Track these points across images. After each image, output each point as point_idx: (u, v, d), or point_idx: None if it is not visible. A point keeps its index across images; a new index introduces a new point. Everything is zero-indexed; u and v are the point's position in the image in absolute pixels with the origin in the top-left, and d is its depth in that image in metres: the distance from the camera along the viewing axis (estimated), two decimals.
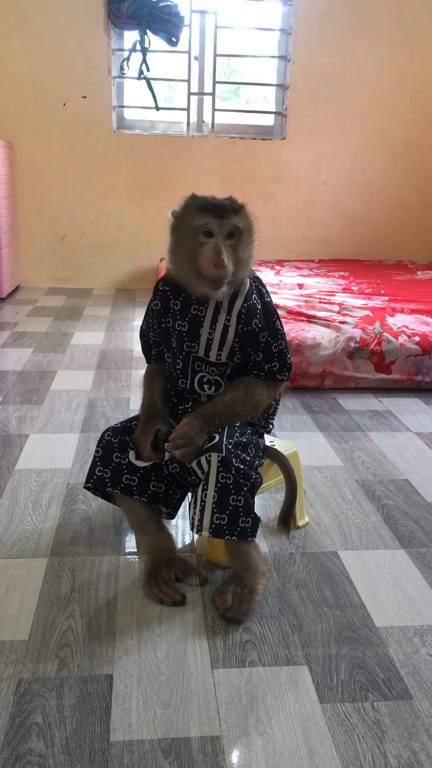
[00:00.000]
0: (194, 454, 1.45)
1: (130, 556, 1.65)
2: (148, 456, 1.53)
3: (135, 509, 1.58)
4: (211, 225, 1.42)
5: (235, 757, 1.10)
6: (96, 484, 1.57)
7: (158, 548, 1.55)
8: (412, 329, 3.00)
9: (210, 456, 1.42)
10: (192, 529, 1.46)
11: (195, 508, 1.45)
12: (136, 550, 1.67)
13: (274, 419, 1.70)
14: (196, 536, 1.74)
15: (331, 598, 1.51)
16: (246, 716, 1.18)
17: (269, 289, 3.86)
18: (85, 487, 1.60)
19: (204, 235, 1.43)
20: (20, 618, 1.41)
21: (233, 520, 1.41)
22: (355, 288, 3.99)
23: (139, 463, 1.55)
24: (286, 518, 1.63)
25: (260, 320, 1.53)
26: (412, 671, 1.30)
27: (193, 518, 1.46)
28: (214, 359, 1.55)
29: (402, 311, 3.33)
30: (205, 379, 1.57)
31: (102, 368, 3.11)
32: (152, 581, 1.50)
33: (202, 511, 1.43)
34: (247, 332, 1.52)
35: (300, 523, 1.80)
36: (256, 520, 1.44)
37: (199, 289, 1.47)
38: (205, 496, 1.42)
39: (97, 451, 1.57)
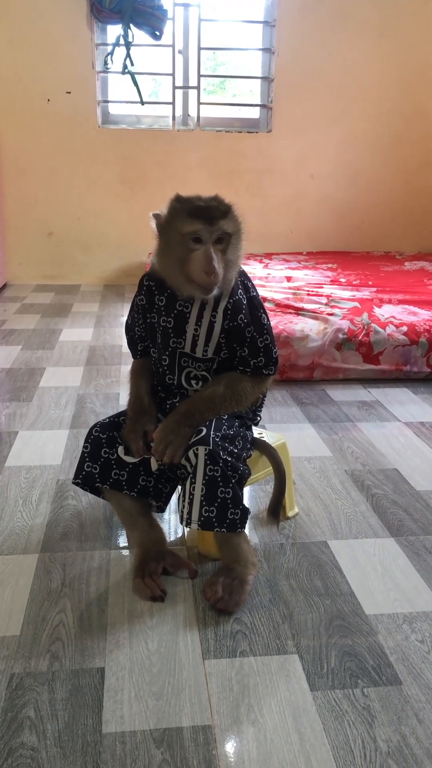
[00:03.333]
0: (182, 451, 1.46)
1: (120, 551, 1.65)
2: (140, 453, 1.54)
3: (124, 504, 1.59)
4: (200, 232, 1.41)
5: (227, 745, 1.11)
6: (85, 479, 1.57)
7: (148, 541, 1.56)
8: (400, 319, 3.02)
9: (197, 449, 1.42)
10: (181, 522, 1.47)
11: (184, 501, 1.46)
12: (126, 544, 1.68)
13: (261, 411, 1.71)
14: (186, 529, 1.74)
15: (321, 588, 1.52)
16: (237, 705, 1.19)
17: (258, 282, 3.85)
18: (73, 483, 1.60)
19: (193, 241, 1.42)
20: (12, 614, 1.41)
21: (222, 512, 1.42)
22: (343, 280, 4.00)
23: (128, 459, 1.55)
24: (276, 509, 1.64)
25: (246, 315, 1.53)
26: (401, 657, 1.31)
27: (182, 511, 1.47)
28: (200, 355, 1.55)
29: (390, 302, 3.34)
30: (192, 375, 1.58)
31: (91, 364, 3.11)
32: (139, 573, 1.51)
33: (190, 504, 1.44)
34: (233, 328, 1.53)
35: (290, 513, 1.81)
36: (245, 511, 1.45)
37: (189, 292, 1.48)
38: (194, 489, 1.43)
39: (85, 447, 1.57)
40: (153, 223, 1.48)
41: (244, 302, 1.54)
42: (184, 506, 1.46)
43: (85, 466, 1.56)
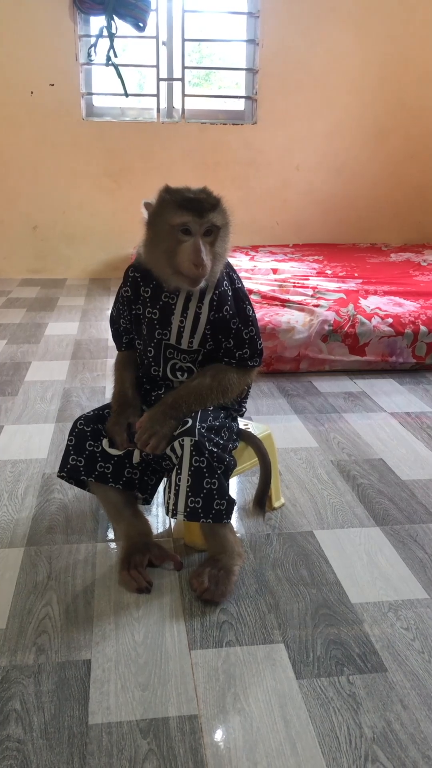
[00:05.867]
0: (165, 443, 1.46)
1: (106, 543, 1.65)
2: (124, 446, 1.53)
3: (110, 496, 1.59)
4: (189, 224, 1.41)
5: (213, 734, 1.11)
6: (70, 472, 1.57)
7: (134, 534, 1.55)
8: (386, 311, 3.02)
9: (183, 440, 1.42)
10: (167, 514, 1.47)
11: (170, 492, 1.46)
12: (112, 537, 1.67)
13: (246, 402, 1.71)
14: (172, 521, 1.74)
15: (307, 577, 1.53)
16: (224, 695, 1.19)
17: (244, 274, 3.85)
18: (58, 476, 1.60)
19: (182, 232, 1.42)
20: None
21: (208, 503, 1.42)
22: (329, 271, 4.00)
23: (113, 451, 1.55)
24: (261, 500, 1.64)
25: (231, 307, 1.53)
26: (386, 645, 1.32)
27: (168, 502, 1.47)
28: (185, 347, 1.55)
29: (375, 293, 3.35)
30: (177, 366, 1.57)
31: (77, 358, 3.10)
32: (125, 565, 1.51)
33: (176, 495, 1.43)
34: (219, 319, 1.53)
35: (276, 504, 1.81)
36: (231, 502, 1.45)
37: (176, 284, 1.47)
38: (179, 480, 1.43)
39: (70, 440, 1.57)
40: (144, 212, 1.48)
41: (230, 294, 1.54)
42: (170, 497, 1.46)
43: (70, 459, 1.56)
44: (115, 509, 1.59)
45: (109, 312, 1.71)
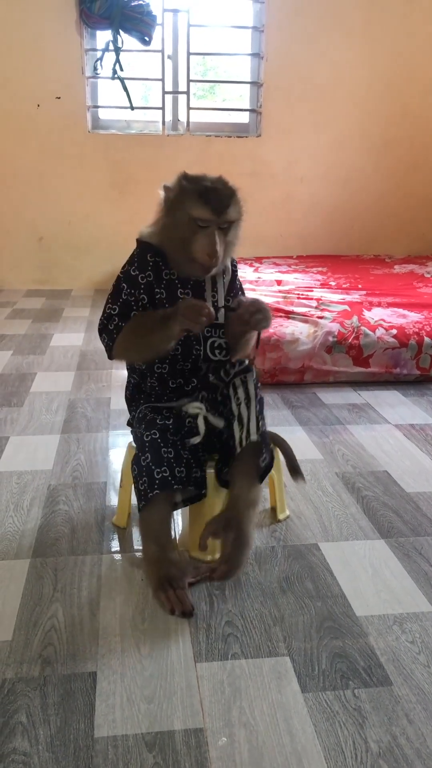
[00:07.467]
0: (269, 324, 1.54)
1: (111, 555, 1.65)
2: (210, 313, 1.42)
3: (166, 519, 1.52)
4: (208, 219, 1.47)
5: (218, 748, 1.11)
6: (162, 486, 1.47)
7: (173, 559, 1.49)
8: (389, 322, 3.03)
9: (246, 376, 1.58)
10: (240, 445, 1.52)
11: (240, 426, 1.53)
12: (118, 548, 1.68)
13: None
14: (178, 534, 1.75)
15: (312, 590, 1.53)
16: (229, 708, 1.19)
17: (248, 286, 3.88)
18: (150, 497, 1.48)
19: (199, 223, 1.48)
20: (3, 619, 1.41)
21: (264, 437, 1.56)
22: (333, 283, 4.01)
23: (195, 440, 1.57)
24: (295, 468, 1.76)
25: (236, 280, 1.68)
26: (392, 658, 1.32)
27: (239, 436, 1.53)
28: (222, 320, 1.61)
29: (379, 305, 3.35)
30: (216, 344, 1.62)
31: (82, 369, 3.11)
32: (164, 585, 1.44)
33: (248, 421, 1.53)
34: (230, 290, 1.65)
35: (281, 516, 1.82)
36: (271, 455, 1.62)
37: (189, 270, 1.54)
38: (249, 407, 1.54)
39: (144, 458, 1.50)
40: (162, 194, 1.51)
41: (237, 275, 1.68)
42: (240, 431, 1.53)
43: (155, 473, 1.48)
44: (166, 531, 1.52)
45: (102, 317, 1.66)
